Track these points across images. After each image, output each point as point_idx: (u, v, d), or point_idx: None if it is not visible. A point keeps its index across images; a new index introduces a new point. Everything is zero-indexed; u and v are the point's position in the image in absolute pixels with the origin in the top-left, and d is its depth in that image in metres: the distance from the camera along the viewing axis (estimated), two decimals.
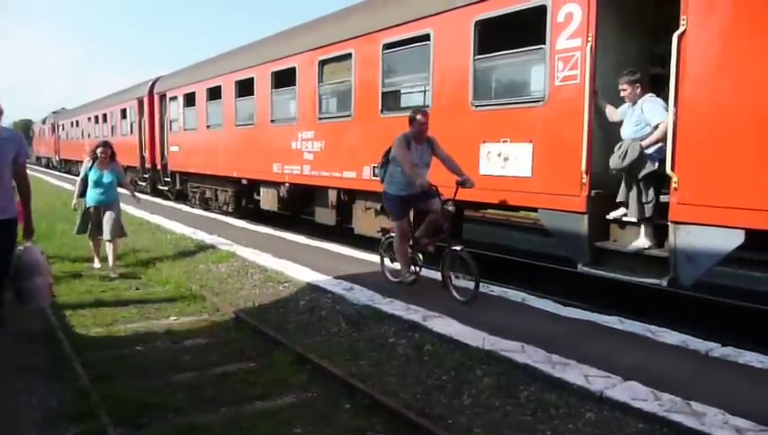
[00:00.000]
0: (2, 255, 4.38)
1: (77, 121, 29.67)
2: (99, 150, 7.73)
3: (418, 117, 5.90)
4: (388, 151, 6.13)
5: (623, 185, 5.46)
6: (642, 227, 5.38)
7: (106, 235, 7.62)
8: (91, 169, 7.67)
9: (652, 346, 4.45)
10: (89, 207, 7.67)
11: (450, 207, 6.06)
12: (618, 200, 5.49)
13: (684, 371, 3.93)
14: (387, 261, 6.69)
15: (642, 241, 5.35)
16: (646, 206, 5.29)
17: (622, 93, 5.47)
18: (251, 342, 5.13)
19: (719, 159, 4.65)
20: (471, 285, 5.64)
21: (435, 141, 6.08)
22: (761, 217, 4.39)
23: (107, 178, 7.66)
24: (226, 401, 3.92)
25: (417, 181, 5.67)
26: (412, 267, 6.29)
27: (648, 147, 5.26)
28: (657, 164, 5.23)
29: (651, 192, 5.30)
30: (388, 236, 6.63)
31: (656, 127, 5.20)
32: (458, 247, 5.74)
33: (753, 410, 3.27)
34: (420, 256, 6.46)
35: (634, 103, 5.43)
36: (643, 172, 5.28)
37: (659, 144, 5.18)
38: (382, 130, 8.29)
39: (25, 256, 4.63)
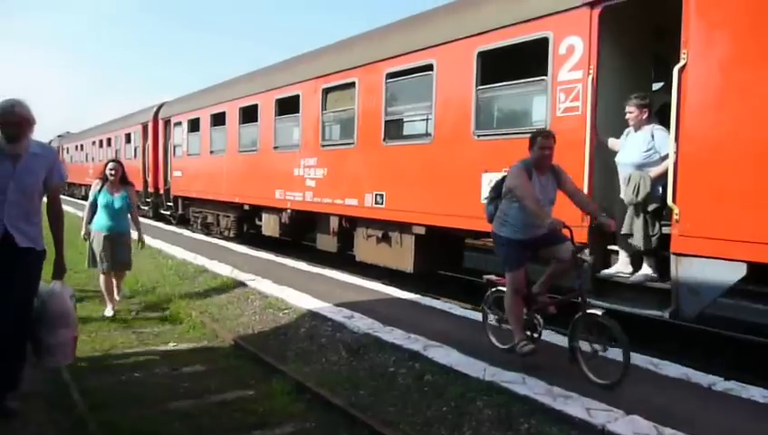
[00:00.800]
0: (23, 298, 3.68)
1: (81, 145, 29.90)
2: (108, 169, 6.77)
3: (540, 139, 4.62)
4: (500, 184, 4.92)
5: (629, 217, 5.36)
6: (645, 258, 5.36)
7: (119, 267, 6.89)
8: (100, 191, 6.75)
9: (654, 379, 4.40)
10: (97, 235, 6.71)
11: (586, 257, 5.12)
12: (623, 232, 5.41)
13: (686, 405, 3.88)
14: (492, 320, 5.29)
15: (645, 270, 5.33)
16: (653, 238, 5.26)
17: (628, 116, 5.41)
18: (250, 369, 5.09)
19: (720, 191, 4.66)
20: (601, 351, 4.32)
21: (560, 170, 4.78)
22: (762, 251, 4.39)
23: (117, 202, 6.69)
24: (224, 429, 3.88)
25: (546, 221, 4.32)
26: (528, 333, 4.86)
27: (656, 178, 5.25)
28: (661, 196, 5.24)
29: (657, 225, 5.28)
30: (495, 289, 5.25)
31: (665, 157, 5.19)
32: (597, 311, 4.36)
33: None
34: (540, 318, 4.95)
35: (637, 129, 5.41)
36: (652, 205, 5.24)
37: (665, 176, 5.18)
38: (384, 158, 8.37)
39: (53, 303, 3.87)
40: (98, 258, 6.70)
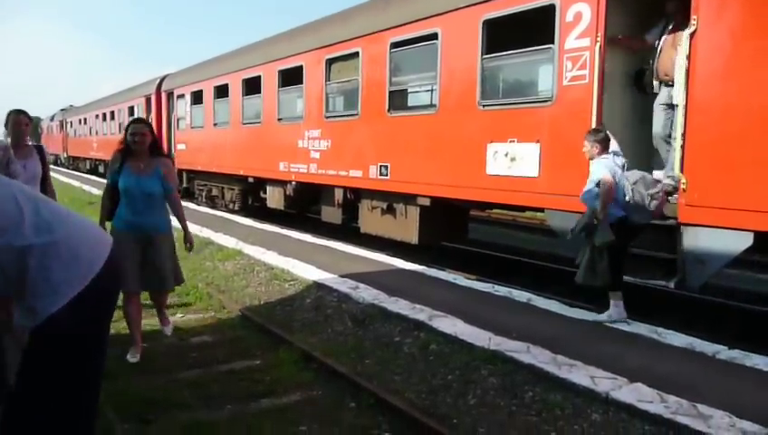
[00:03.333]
0: None
1: (85, 119, 29.80)
2: (130, 135, 4.43)
3: None
4: None
5: (581, 249, 5.10)
6: (611, 294, 5.09)
7: (154, 284, 4.70)
8: (120, 170, 4.46)
9: (658, 348, 4.43)
10: (120, 237, 4.25)
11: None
12: (576, 262, 5.15)
13: (690, 373, 3.91)
14: None
15: (610, 310, 5.07)
16: (599, 274, 4.90)
17: (584, 149, 5.11)
18: (257, 339, 5.14)
19: (728, 160, 4.63)
20: None
21: None
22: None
23: (149, 184, 4.44)
24: (232, 398, 3.93)
25: None
26: None
27: (599, 213, 4.84)
28: (612, 233, 4.83)
29: (605, 261, 4.86)
30: None
31: (598, 185, 4.86)
32: None
33: (760, 412, 3.25)
34: None
35: (679, 28, 5.17)
36: (599, 240, 4.82)
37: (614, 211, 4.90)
38: (389, 130, 8.31)
39: None
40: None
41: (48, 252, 1.59)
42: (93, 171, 28.34)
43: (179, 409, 3.72)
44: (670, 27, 5.50)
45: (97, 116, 26.61)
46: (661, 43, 5.57)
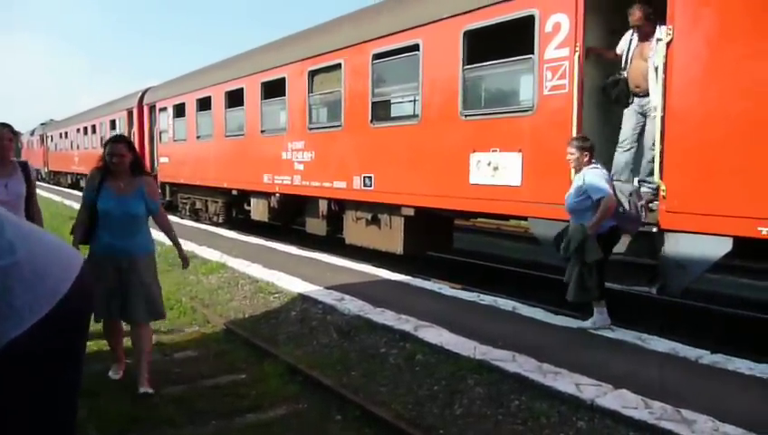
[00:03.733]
0: None
1: (66, 133, 29.52)
2: (108, 154, 4.09)
3: None
4: None
5: (570, 266, 5.05)
6: (594, 304, 5.10)
7: (135, 314, 4.15)
8: (100, 189, 4.10)
9: (642, 354, 4.46)
10: (98, 258, 4.06)
11: None
12: (565, 280, 5.11)
13: (674, 378, 3.94)
14: None
15: (594, 317, 5.10)
16: (590, 290, 4.91)
17: (569, 157, 5.02)
18: (242, 353, 5.09)
19: (706, 166, 4.70)
20: None
21: None
22: (748, 225, 4.44)
23: (132, 206, 4.11)
24: (217, 413, 3.88)
25: None
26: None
27: (593, 228, 4.78)
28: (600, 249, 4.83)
29: (595, 276, 4.88)
30: None
31: (598, 201, 4.77)
32: None
33: (743, 416, 3.28)
34: None
35: (578, 171, 5.05)
36: (591, 257, 4.79)
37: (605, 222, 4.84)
38: (372, 140, 8.34)
39: None
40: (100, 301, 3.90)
41: (10, 273, 1.55)
42: (75, 186, 28.06)
43: (163, 426, 3.67)
44: (636, 39, 5.63)
45: (78, 130, 26.38)
46: (630, 54, 5.68)
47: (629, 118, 5.76)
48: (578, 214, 4.95)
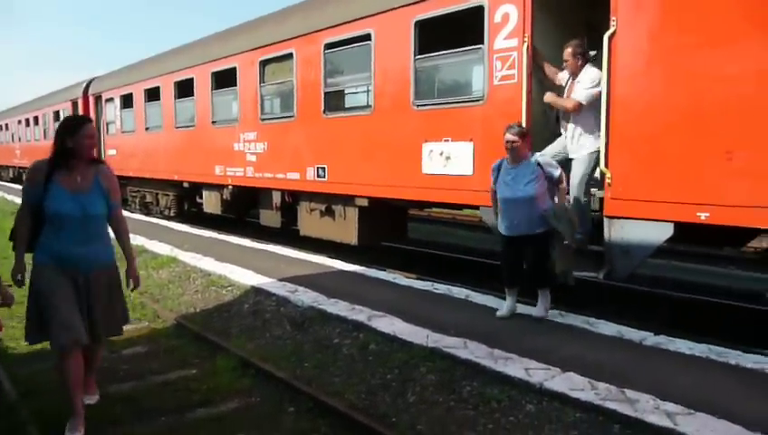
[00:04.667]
0: None
1: (6, 125, 28.30)
2: (82, 136, 3.35)
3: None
4: None
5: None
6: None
7: (94, 335, 3.45)
8: (48, 186, 3.30)
9: (590, 338, 4.58)
10: (45, 268, 3.32)
11: None
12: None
13: (619, 360, 4.06)
14: None
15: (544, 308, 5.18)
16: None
17: (512, 145, 4.96)
18: (193, 348, 5.01)
19: (649, 154, 4.83)
20: None
21: None
22: (687, 211, 4.59)
23: (92, 205, 3.38)
24: (167, 410, 3.81)
25: None
26: None
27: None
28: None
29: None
30: None
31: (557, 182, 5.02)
32: None
33: (683, 394, 3.42)
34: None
35: (516, 160, 5.00)
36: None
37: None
38: (325, 131, 8.27)
39: None
40: (51, 321, 3.26)
41: None
42: (17, 180, 26.96)
43: (112, 425, 3.58)
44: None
45: (20, 121, 25.32)
46: (566, 87, 5.64)
47: (560, 141, 5.79)
48: (540, 200, 4.89)
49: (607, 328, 4.79)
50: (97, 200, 3.41)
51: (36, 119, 22.55)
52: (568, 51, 5.46)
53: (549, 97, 5.60)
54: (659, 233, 4.86)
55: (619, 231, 5.09)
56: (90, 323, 3.41)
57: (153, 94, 13.15)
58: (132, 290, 3.80)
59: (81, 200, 3.34)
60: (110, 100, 15.72)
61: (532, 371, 3.85)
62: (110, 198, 3.49)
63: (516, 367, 3.91)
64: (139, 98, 13.85)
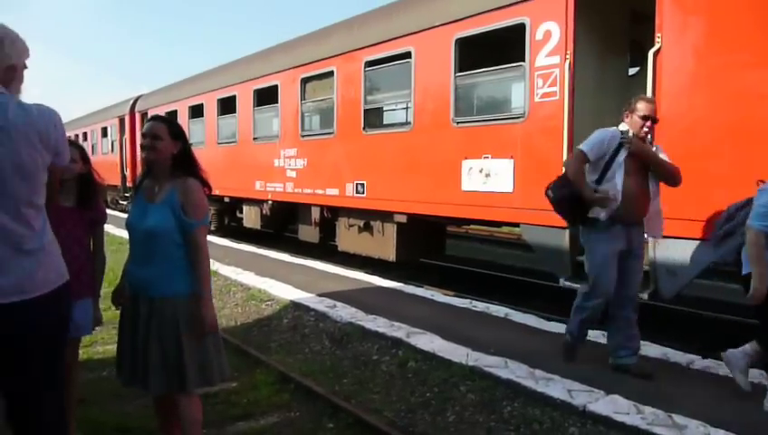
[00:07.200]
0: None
1: None
2: (141, 135, 2.91)
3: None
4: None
5: None
6: None
7: (147, 382, 2.78)
8: (138, 189, 3.01)
9: None
10: (125, 292, 3.00)
11: None
12: None
13: (665, 383, 3.94)
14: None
15: None
16: None
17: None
18: (233, 361, 5.04)
19: (693, 172, 4.72)
20: None
21: None
22: None
23: (151, 218, 2.80)
24: (209, 422, 3.84)
25: None
26: None
27: None
28: None
29: None
30: None
31: None
32: None
33: (734, 421, 3.29)
34: None
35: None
36: None
37: None
38: (365, 147, 8.35)
39: None
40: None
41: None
42: None
43: None
44: None
45: (69, 137, 26.23)
46: None
47: None
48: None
49: (652, 350, 4.66)
50: (160, 214, 2.77)
51: (85, 135, 23.36)
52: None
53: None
54: (707, 253, 4.73)
55: (664, 251, 4.98)
56: (146, 365, 2.76)
57: (197, 111, 13.50)
58: (194, 337, 2.77)
59: (145, 211, 2.83)
60: None
61: (575, 392, 3.77)
62: (185, 214, 2.77)
63: (558, 388, 3.84)
64: (183, 115, 14.23)
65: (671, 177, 4.12)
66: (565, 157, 5.65)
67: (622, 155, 4.01)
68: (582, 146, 4.08)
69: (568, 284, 5.75)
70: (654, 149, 4.16)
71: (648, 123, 4.04)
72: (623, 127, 4.10)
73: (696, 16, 4.79)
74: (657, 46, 4.93)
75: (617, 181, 4.00)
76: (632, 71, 6.82)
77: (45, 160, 2.13)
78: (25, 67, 2.23)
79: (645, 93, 5.07)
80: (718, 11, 4.64)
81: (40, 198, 2.13)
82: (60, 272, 2.20)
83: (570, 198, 4.09)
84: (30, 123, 2.06)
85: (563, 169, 4.27)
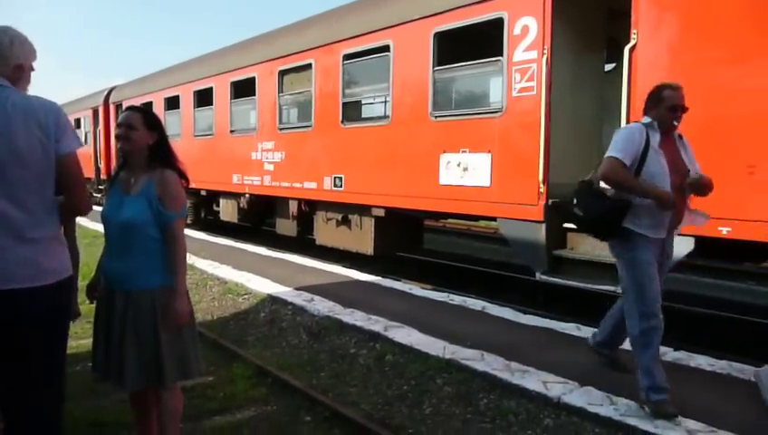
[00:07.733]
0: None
1: None
2: (116, 126, 2.81)
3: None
4: None
5: None
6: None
7: (122, 377, 2.69)
8: (111, 186, 2.90)
9: None
10: (101, 286, 2.90)
11: None
12: None
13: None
14: None
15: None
16: None
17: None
18: (209, 355, 5.00)
19: None
20: None
21: None
22: (709, 225, 4.52)
23: (127, 210, 2.71)
24: (184, 416, 3.78)
25: None
26: None
27: None
28: None
29: None
30: None
31: None
32: None
33: (704, 411, 3.37)
34: None
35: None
36: None
37: None
38: (343, 141, 8.32)
39: None
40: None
41: None
42: None
43: (129, 430, 3.60)
44: None
45: None
46: None
47: None
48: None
49: (625, 342, 4.73)
50: (137, 205, 2.69)
51: None
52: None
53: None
54: (680, 248, 4.80)
55: None
56: (122, 361, 2.68)
57: (173, 103, 13.32)
58: (165, 329, 2.69)
59: (123, 204, 2.73)
60: None
61: (550, 384, 3.81)
62: (162, 205, 2.70)
63: (534, 380, 3.88)
64: (158, 106, 14.02)
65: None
66: (542, 152, 5.70)
67: (655, 140, 3.52)
68: (615, 153, 3.44)
69: (544, 277, 5.81)
70: (683, 141, 3.76)
71: (679, 114, 3.58)
72: (646, 120, 3.62)
73: (671, 13, 4.86)
74: (632, 42, 4.99)
75: (661, 169, 3.47)
76: (608, 67, 6.89)
77: (48, 149, 2.15)
78: (32, 69, 2.36)
79: (620, 90, 5.14)
80: (693, 7, 4.71)
81: (44, 188, 2.17)
82: (64, 265, 2.26)
83: (612, 210, 3.52)
84: (30, 113, 2.11)
85: (594, 184, 3.69)
